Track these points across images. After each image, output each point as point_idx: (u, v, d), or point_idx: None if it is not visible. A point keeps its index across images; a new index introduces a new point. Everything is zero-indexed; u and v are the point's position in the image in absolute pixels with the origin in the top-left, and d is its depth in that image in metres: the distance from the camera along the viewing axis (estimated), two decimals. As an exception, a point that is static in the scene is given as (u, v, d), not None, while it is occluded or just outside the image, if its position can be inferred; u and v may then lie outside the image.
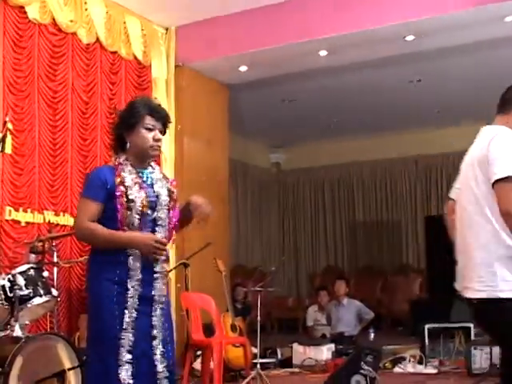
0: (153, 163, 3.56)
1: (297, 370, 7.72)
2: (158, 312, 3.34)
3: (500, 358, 3.54)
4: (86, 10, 7.30)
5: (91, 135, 7.36)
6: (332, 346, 8.08)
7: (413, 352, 7.84)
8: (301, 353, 8.02)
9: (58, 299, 5.49)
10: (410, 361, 7.61)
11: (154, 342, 3.30)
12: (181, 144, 8.53)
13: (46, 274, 5.17)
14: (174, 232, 3.56)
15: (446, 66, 9.73)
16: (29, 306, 4.92)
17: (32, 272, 5.01)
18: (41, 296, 4.99)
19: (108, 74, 7.68)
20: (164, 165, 8.09)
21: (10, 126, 6.26)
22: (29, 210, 6.54)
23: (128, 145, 3.45)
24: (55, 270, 5.82)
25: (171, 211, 3.45)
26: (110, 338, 3.22)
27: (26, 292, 4.88)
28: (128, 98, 7.05)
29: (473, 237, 3.28)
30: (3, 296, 4.81)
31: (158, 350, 3.30)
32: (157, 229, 3.38)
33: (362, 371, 5.87)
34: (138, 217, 3.30)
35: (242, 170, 13.98)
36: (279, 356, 8.08)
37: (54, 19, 6.94)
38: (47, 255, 5.71)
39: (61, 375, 4.47)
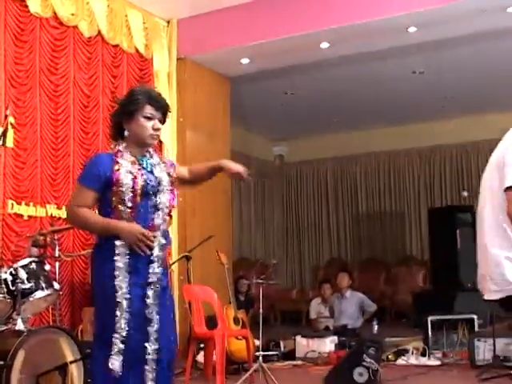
0: (150, 149, 3.57)
1: (300, 362, 7.72)
2: (153, 293, 3.38)
3: None
4: (88, 3, 7.30)
5: (93, 129, 7.36)
6: (335, 338, 8.08)
7: (416, 344, 7.84)
8: (304, 345, 8.03)
9: (60, 293, 5.51)
10: (413, 353, 7.61)
11: (150, 326, 3.34)
12: (183, 136, 8.53)
13: (47, 267, 5.17)
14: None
15: (448, 57, 9.71)
16: (31, 299, 4.92)
17: (34, 265, 5.02)
18: (43, 289, 4.99)
19: (110, 67, 7.67)
20: (166, 157, 8.09)
21: (11, 119, 6.30)
22: (31, 204, 6.54)
23: (126, 133, 3.47)
24: (57, 263, 5.82)
25: (171, 195, 3.50)
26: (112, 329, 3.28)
27: (27, 285, 4.88)
28: (130, 92, 7.05)
29: (488, 237, 3.30)
30: (5, 289, 4.81)
31: (154, 330, 3.34)
32: (157, 213, 3.42)
33: (364, 363, 5.87)
34: (130, 204, 3.34)
35: (244, 162, 13.66)
36: (282, 348, 8.09)
37: (55, 13, 6.92)
38: (49, 249, 5.71)
39: (63, 368, 4.47)
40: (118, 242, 3.31)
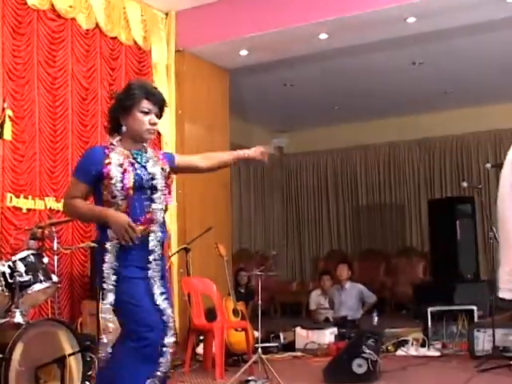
0: (145, 144, 3.58)
1: (299, 353, 7.72)
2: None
3: None
4: (86, -5, 7.29)
5: (91, 121, 7.36)
6: (335, 329, 8.09)
7: (416, 335, 7.84)
8: (303, 337, 8.04)
9: (59, 285, 5.51)
10: (412, 344, 7.62)
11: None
12: (181, 129, 8.53)
13: (46, 260, 5.18)
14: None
15: (448, 48, 9.68)
16: (29, 292, 4.93)
17: (32, 258, 5.03)
18: (41, 282, 5.00)
19: (108, 59, 7.66)
20: (165, 150, 8.09)
21: (9, 112, 6.30)
22: (30, 197, 6.54)
23: (124, 128, 3.49)
24: (56, 256, 5.81)
25: (166, 189, 3.52)
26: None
27: (26, 278, 4.89)
28: (128, 84, 7.04)
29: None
30: (3, 282, 4.83)
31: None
32: (152, 207, 3.44)
33: (363, 355, 5.87)
34: (122, 197, 3.36)
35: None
36: (282, 340, 8.10)
37: (52, 5, 6.90)
38: (48, 241, 5.71)
39: (61, 361, 4.47)
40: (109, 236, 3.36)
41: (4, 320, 4.80)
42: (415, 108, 12.81)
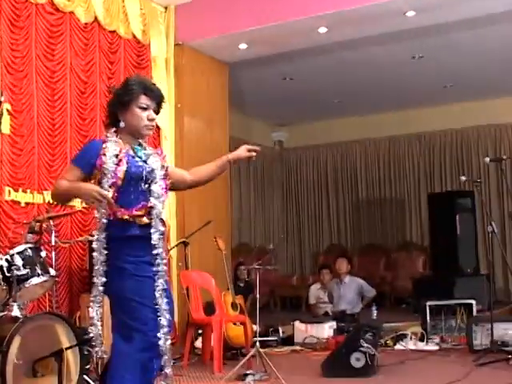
0: (142, 142, 3.60)
1: (298, 347, 7.74)
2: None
3: None
4: (84, -11, 7.27)
5: (90, 115, 7.35)
6: (333, 323, 8.10)
7: (414, 329, 7.86)
8: (302, 330, 8.04)
9: (57, 279, 5.52)
10: (411, 338, 7.63)
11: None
12: (181, 122, 8.52)
13: (43, 253, 5.18)
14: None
15: (447, 42, 9.66)
16: (27, 285, 4.93)
17: (29, 252, 5.02)
18: (39, 276, 5.00)
19: (107, 53, 7.64)
20: (164, 143, 8.09)
21: (8, 106, 6.29)
22: (28, 191, 6.52)
23: (122, 123, 3.49)
24: (54, 250, 5.81)
25: (164, 184, 3.53)
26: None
27: (23, 272, 4.89)
28: (127, 78, 7.03)
29: None
30: (1, 276, 4.83)
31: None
32: (151, 200, 3.44)
33: (361, 348, 5.88)
34: (108, 187, 3.36)
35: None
36: (281, 334, 8.10)
37: (51, -2, 6.90)
38: (46, 235, 5.71)
39: (59, 354, 4.47)
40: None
41: (2, 313, 4.80)
42: (415, 102, 12.80)
